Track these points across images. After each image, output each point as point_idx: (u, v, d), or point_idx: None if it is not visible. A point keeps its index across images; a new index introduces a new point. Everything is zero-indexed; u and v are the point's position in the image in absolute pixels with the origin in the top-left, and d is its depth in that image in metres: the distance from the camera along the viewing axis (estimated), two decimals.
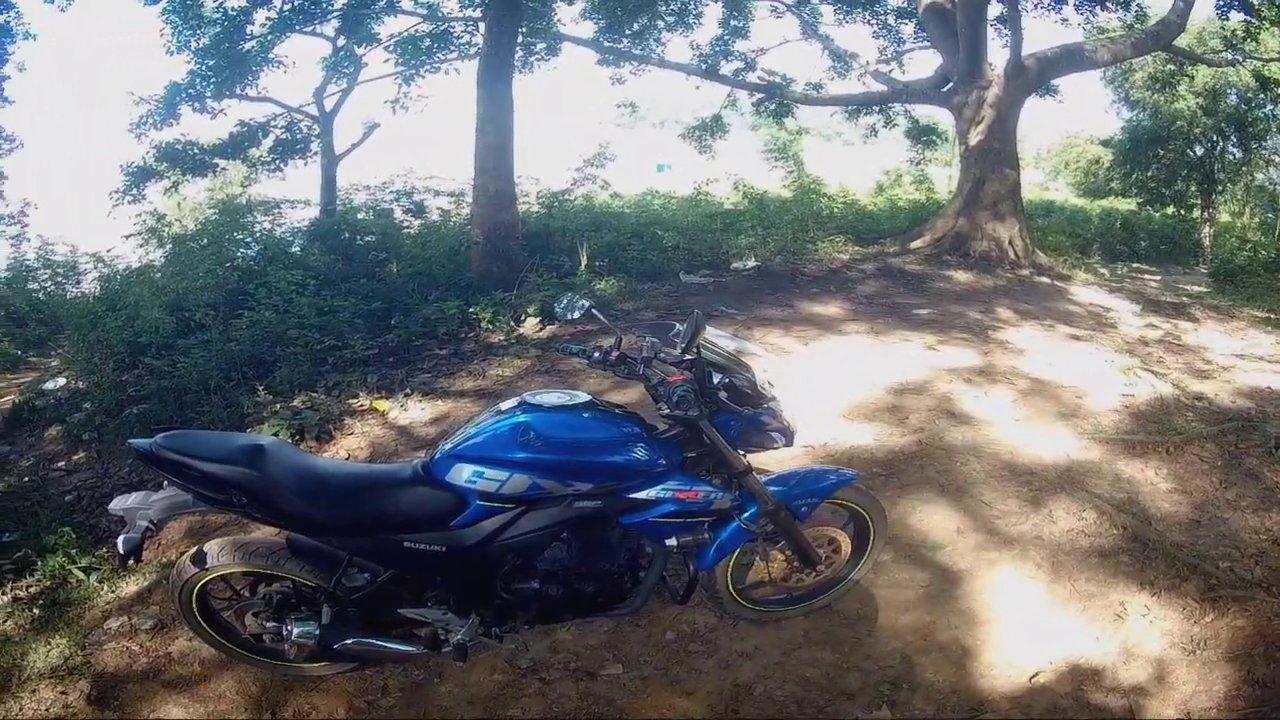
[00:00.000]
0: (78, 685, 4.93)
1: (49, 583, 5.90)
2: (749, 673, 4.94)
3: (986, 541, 6.13)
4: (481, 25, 17.79)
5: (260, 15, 19.75)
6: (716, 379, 4.34)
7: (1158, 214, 29.61)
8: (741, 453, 4.43)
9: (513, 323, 10.84)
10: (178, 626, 5.22)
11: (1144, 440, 7.63)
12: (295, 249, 15.37)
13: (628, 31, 22.89)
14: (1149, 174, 29.80)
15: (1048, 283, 15.50)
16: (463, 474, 4.04)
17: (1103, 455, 7.43)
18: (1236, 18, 20.54)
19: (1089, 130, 38.40)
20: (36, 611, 5.61)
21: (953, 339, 10.74)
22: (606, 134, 21.02)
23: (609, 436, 4.18)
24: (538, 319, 10.91)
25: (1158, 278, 19.50)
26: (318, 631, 4.20)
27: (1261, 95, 25.65)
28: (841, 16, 23.35)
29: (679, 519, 4.29)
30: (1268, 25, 20.20)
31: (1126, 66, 27.60)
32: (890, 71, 22.42)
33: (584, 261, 13.51)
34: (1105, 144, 33.90)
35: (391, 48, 21.82)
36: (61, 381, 10.10)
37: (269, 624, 4.35)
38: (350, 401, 8.57)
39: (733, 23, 22.75)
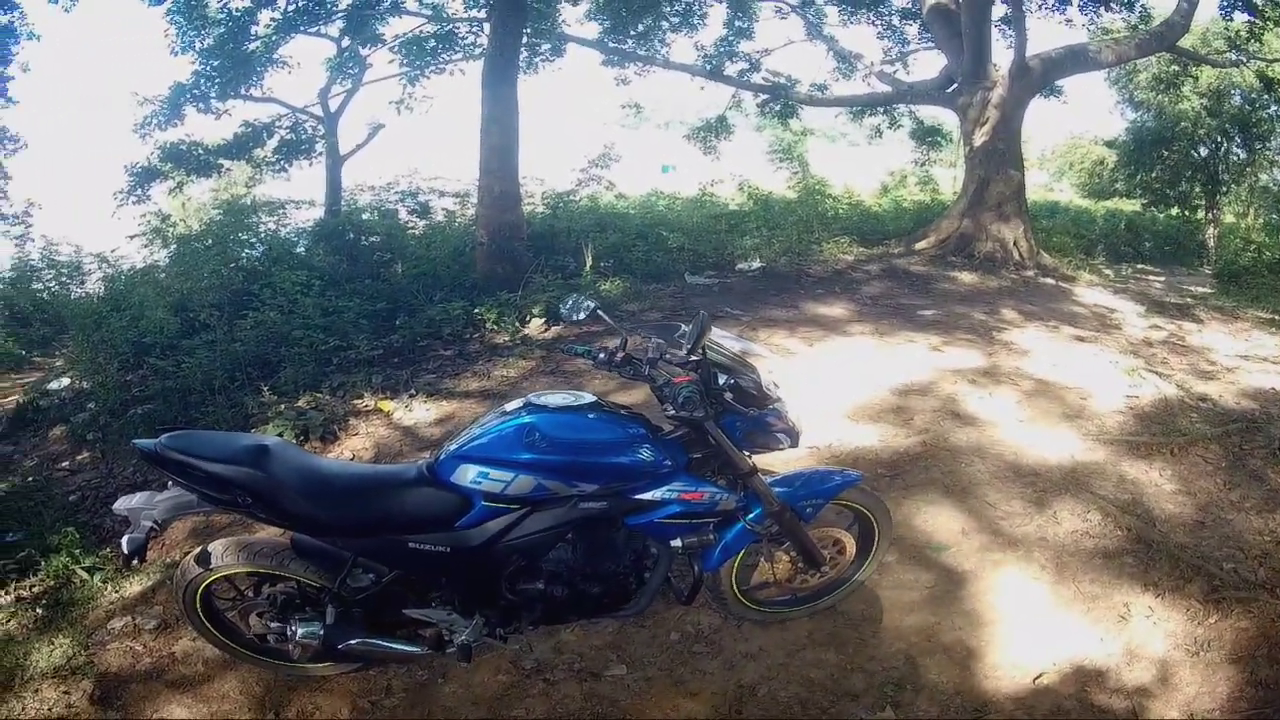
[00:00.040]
0: (81, 685, 4.93)
1: (52, 582, 5.91)
2: (753, 674, 4.93)
3: (991, 542, 6.13)
4: (486, 26, 17.83)
5: (265, 16, 19.78)
6: (722, 380, 4.34)
7: (1162, 215, 29.65)
8: (747, 454, 4.43)
9: (518, 323, 10.84)
10: (181, 626, 5.22)
11: (1148, 441, 7.62)
12: (300, 249, 15.39)
13: (632, 32, 22.85)
14: (1153, 175, 29.87)
15: (1052, 284, 15.49)
16: (468, 475, 4.04)
17: (1107, 456, 7.42)
18: (1240, 18, 20.61)
19: (1093, 131, 38.35)
20: (40, 611, 5.61)
21: (957, 340, 10.75)
22: (611, 135, 21.04)
23: (614, 437, 4.17)
24: (543, 320, 10.92)
25: (1162, 279, 19.46)
26: (322, 632, 4.19)
27: (1265, 96, 25.71)
28: (846, 17, 23.34)
29: (684, 520, 4.29)
30: (1271, 26, 20.20)
31: (1131, 67, 27.66)
32: (895, 72, 22.42)
33: (589, 262, 13.51)
34: (1110, 145, 33.89)
35: (396, 48, 21.84)
36: (66, 381, 10.13)
37: (273, 624, 4.34)
38: (355, 402, 8.58)
39: (737, 24, 22.72)
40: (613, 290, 12.50)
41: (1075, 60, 18.02)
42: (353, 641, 4.24)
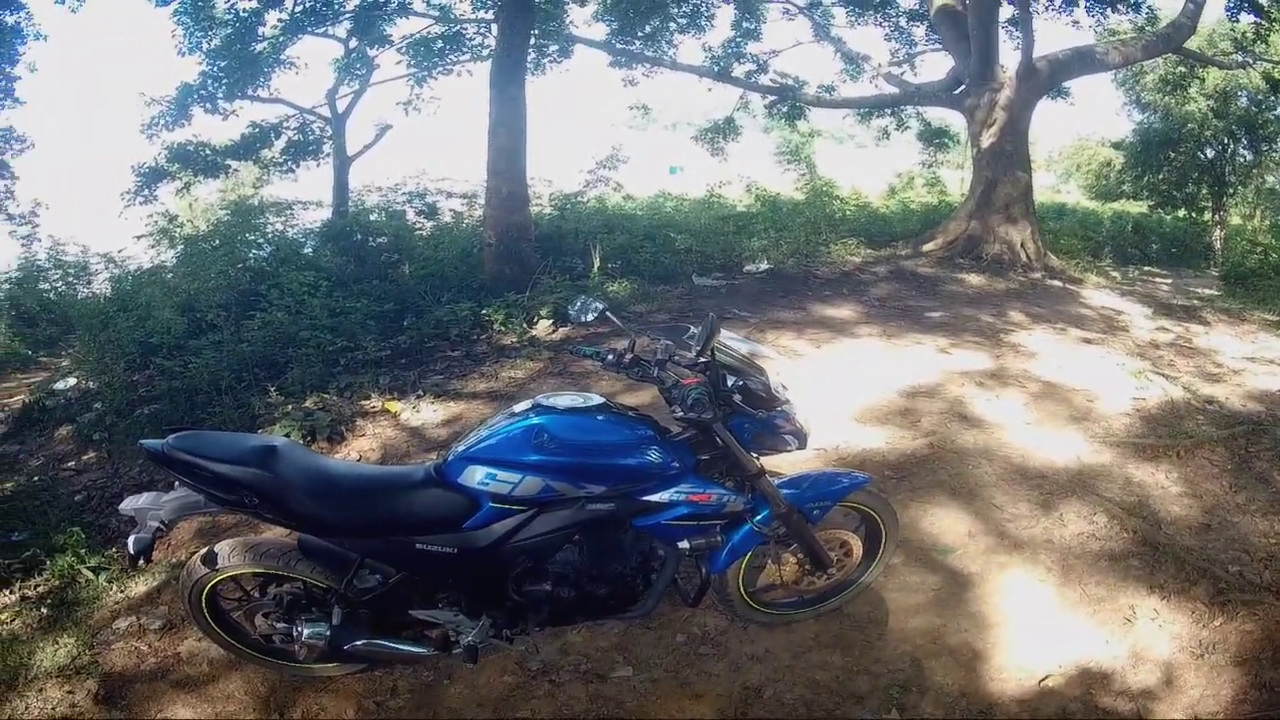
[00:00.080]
0: (85, 684, 4.95)
1: (58, 582, 5.92)
2: (759, 675, 4.93)
3: (997, 545, 6.13)
4: (494, 27, 17.81)
5: (272, 17, 19.78)
6: (730, 382, 4.35)
7: (1169, 217, 29.60)
8: (754, 455, 4.42)
9: (525, 325, 10.86)
10: (186, 627, 5.23)
11: (1155, 444, 7.62)
12: (307, 250, 15.39)
13: (640, 33, 22.86)
14: (1160, 177, 29.80)
15: (1059, 286, 15.48)
16: (475, 476, 4.03)
17: (1113, 459, 7.41)
18: (1246, 19, 20.53)
19: (1100, 133, 38.36)
20: (45, 611, 5.63)
21: (964, 342, 10.74)
22: (619, 136, 21.20)
23: (622, 439, 4.17)
24: (550, 321, 10.93)
25: (1169, 281, 19.46)
26: (328, 633, 4.19)
27: (1272, 97, 25.67)
28: (853, 19, 23.26)
29: (691, 521, 4.28)
30: (1278, 27, 20.16)
31: (1137, 69, 27.62)
32: (902, 74, 22.41)
33: (596, 263, 13.54)
34: (1116, 146, 33.85)
35: (404, 49, 21.85)
36: (72, 381, 10.15)
37: (279, 625, 4.33)
38: (362, 403, 8.60)
39: (745, 25, 22.70)
40: (620, 292, 12.51)
41: (1082, 62, 18.02)
42: (359, 642, 4.24)
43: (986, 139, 17.18)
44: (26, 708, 4.77)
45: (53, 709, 4.76)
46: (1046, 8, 20.85)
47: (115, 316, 10.47)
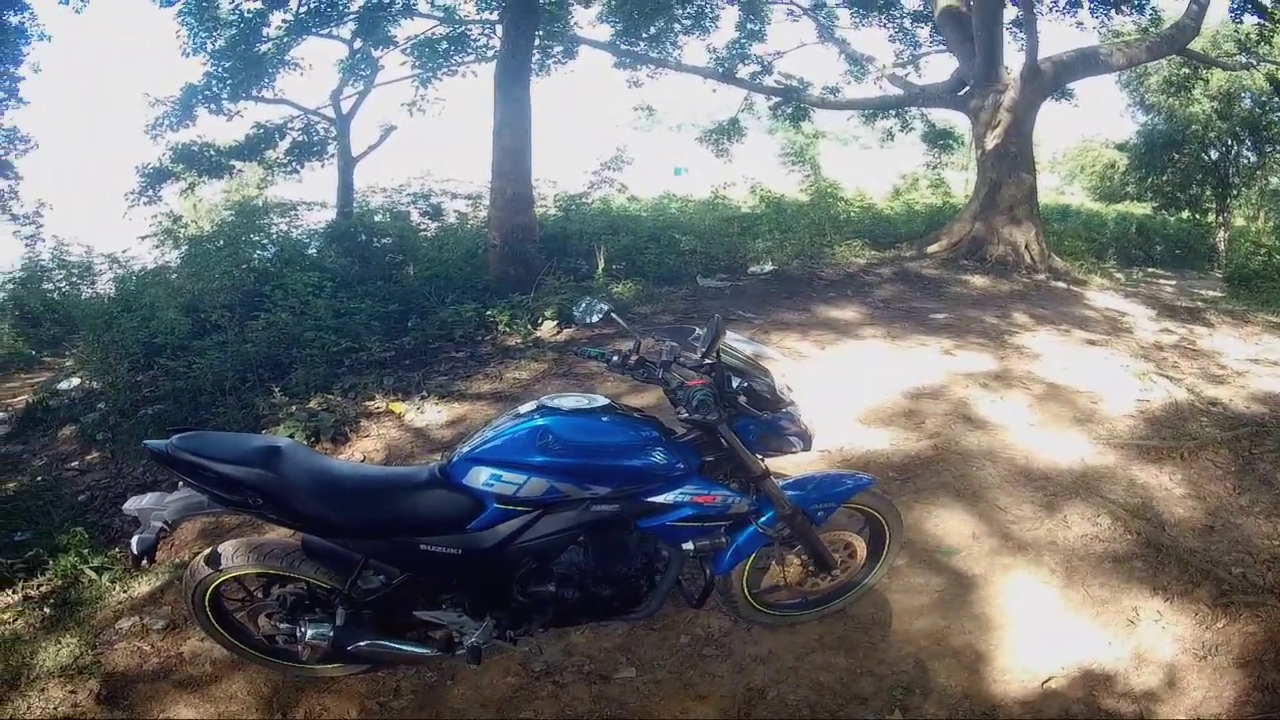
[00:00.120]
0: (87, 684, 4.95)
1: (60, 582, 5.93)
2: (762, 677, 4.93)
3: (1001, 546, 6.13)
4: (498, 28, 17.85)
5: (276, 17, 19.88)
6: (736, 383, 4.35)
7: (1173, 218, 29.63)
8: (759, 457, 4.42)
9: (530, 325, 10.87)
10: (189, 627, 5.24)
11: (1158, 445, 7.62)
12: (312, 251, 15.40)
13: (644, 35, 22.92)
14: (1164, 178, 29.80)
15: (1064, 287, 15.47)
16: (480, 477, 4.03)
17: (1117, 460, 7.41)
18: (1250, 21, 20.55)
19: (1104, 134, 38.39)
20: (47, 611, 5.63)
21: (969, 344, 10.73)
22: (623, 137, 21.12)
23: (627, 440, 4.17)
24: (555, 322, 10.94)
25: (1173, 282, 19.48)
26: (332, 633, 4.19)
27: (1276, 99, 25.72)
28: (858, 20, 23.34)
29: (696, 523, 4.28)
30: None
31: (1141, 70, 27.62)
32: (907, 75, 22.46)
33: (601, 265, 13.54)
34: (1120, 148, 33.83)
35: (408, 50, 21.93)
36: (76, 381, 10.16)
37: (282, 625, 4.34)
38: (366, 403, 8.59)
39: (749, 26, 22.77)
40: (625, 293, 12.52)
41: (1086, 63, 18.02)
42: (362, 643, 4.24)
43: (991, 140, 17.17)
44: (29, 707, 4.77)
45: (55, 708, 4.76)
46: (1051, 9, 20.93)
47: (119, 317, 10.48)
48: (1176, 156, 29.14)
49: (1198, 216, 29.67)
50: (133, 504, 3.95)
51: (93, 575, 5.95)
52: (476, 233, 15.80)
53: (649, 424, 4.29)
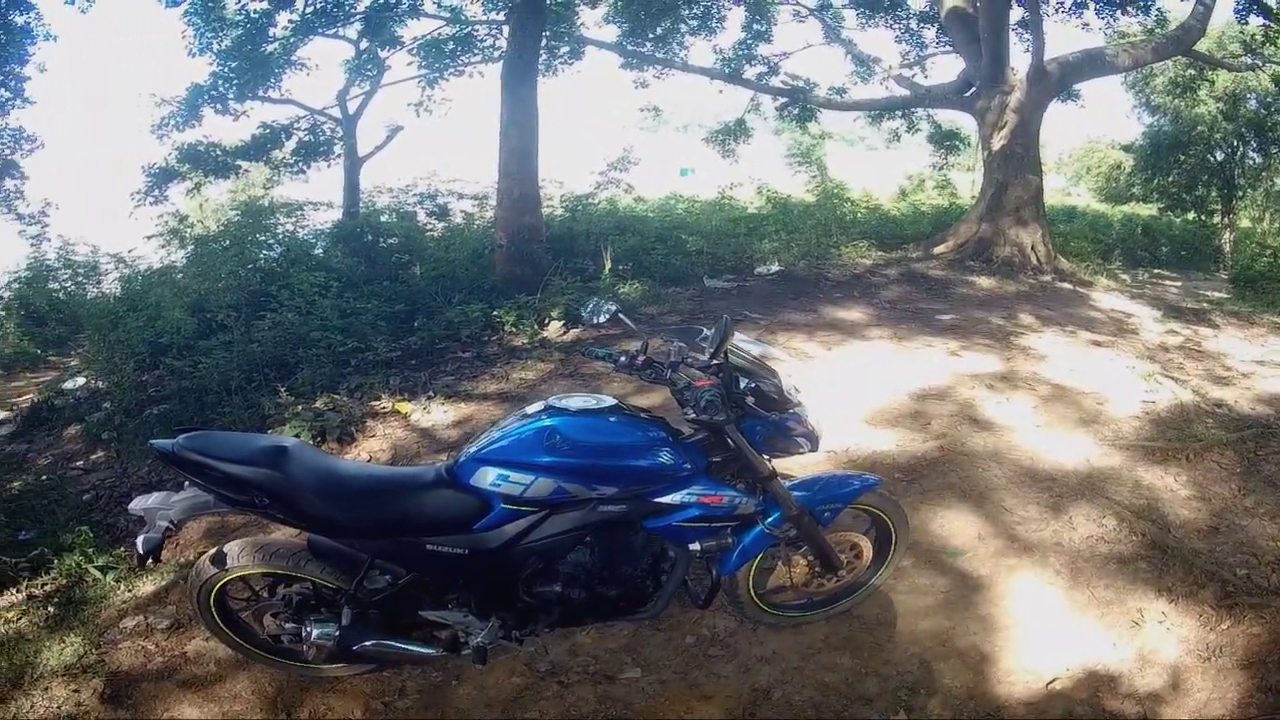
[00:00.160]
0: (91, 683, 4.95)
1: (65, 581, 5.94)
2: (768, 677, 4.93)
3: (1006, 547, 6.12)
4: (505, 28, 17.84)
5: (283, 18, 19.84)
6: (743, 384, 4.35)
7: (1178, 219, 29.61)
8: (766, 458, 4.42)
9: (536, 326, 10.87)
10: (194, 626, 5.24)
11: (1164, 447, 7.61)
12: (318, 251, 15.40)
13: (651, 35, 22.89)
14: (1170, 179, 29.83)
15: (1069, 288, 15.45)
16: (487, 477, 4.04)
17: (1123, 462, 7.40)
18: (1256, 22, 20.54)
19: (1110, 135, 38.41)
20: (51, 610, 5.64)
21: (975, 345, 10.73)
22: (630, 137, 21.20)
23: (635, 440, 4.17)
24: (561, 322, 10.95)
25: (1178, 283, 19.43)
26: (337, 633, 4.20)
27: None
28: (864, 21, 23.31)
29: (703, 523, 4.28)
30: None
31: (1147, 71, 27.67)
32: (913, 76, 22.44)
33: (608, 265, 13.53)
34: (1126, 149, 33.88)
35: (414, 50, 21.91)
36: (81, 381, 10.18)
37: (288, 625, 4.35)
38: (372, 403, 8.60)
39: (755, 27, 22.70)
40: (631, 293, 12.51)
41: (1092, 64, 17.99)
42: (368, 643, 4.24)
43: (997, 141, 17.14)
44: (32, 706, 4.78)
45: (59, 708, 4.77)
46: (1057, 10, 20.91)
47: (125, 316, 10.50)
48: (1182, 158, 29.18)
49: (1203, 218, 29.68)
50: (138, 503, 3.95)
51: (97, 574, 5.96)
52: (483, 233, 15.83)
53: (656, 424, 4.30)
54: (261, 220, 15.37)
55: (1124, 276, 18.61)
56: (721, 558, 4.48)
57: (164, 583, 5.87)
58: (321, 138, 22.35)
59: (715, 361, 4.26)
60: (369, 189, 20.43)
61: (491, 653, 4.32)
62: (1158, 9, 20.95)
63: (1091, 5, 20.81)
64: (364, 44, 21.07)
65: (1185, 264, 24.20)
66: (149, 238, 17.22)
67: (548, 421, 4.11)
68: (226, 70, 19.88)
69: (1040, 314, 12.85)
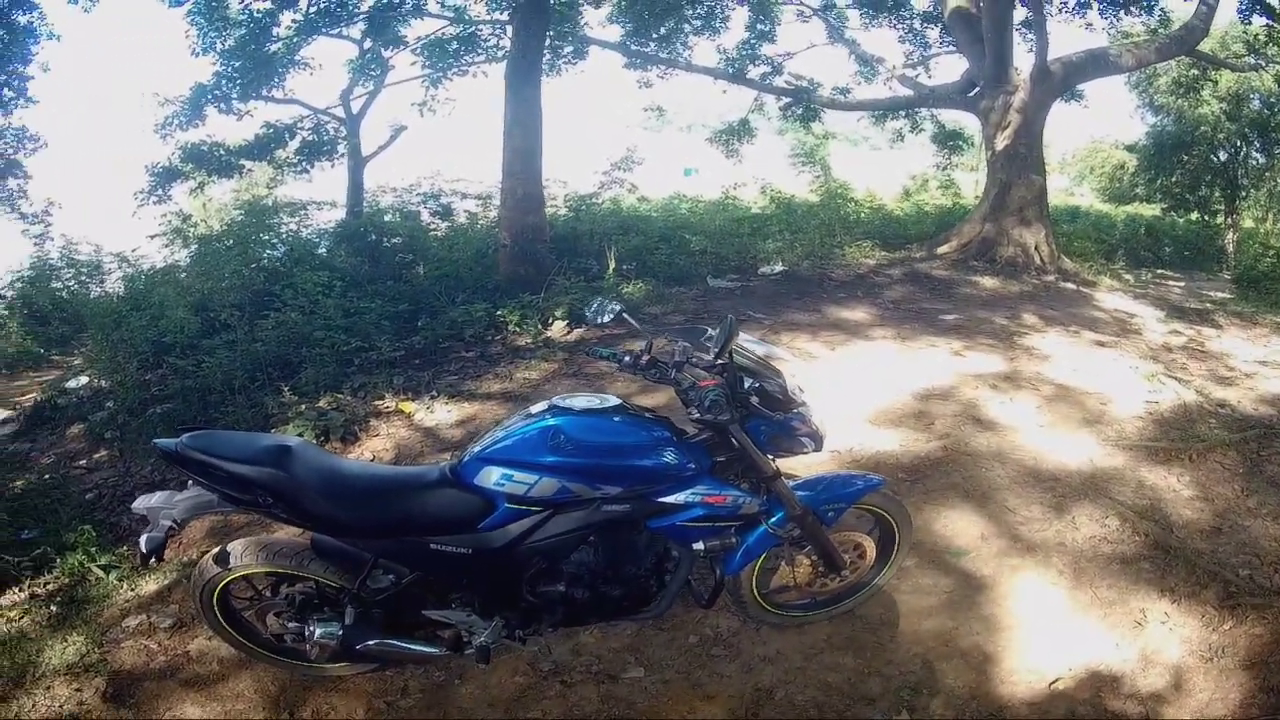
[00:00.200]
0: (94, 682, 4.96)
1: (67, 580, 5.95)
2: (770, 677, 4.94)
3: (1009, 547, 6.13)
4: (509, 28, 17.83)
5: (286, 18, 19.81)
6: (748, 384, 4.35)
7: (1182, 220, 29.57)
8: (770, 457, 4.43)
9: (540, 325, 10.89)
10: (197, 625, 5.24)
11: (1167, 447, 7.61)
12: (321, 250, 15.36)
13: (655, 35, 22.86)
14: (1173, 179, 29.80)
15: (1073, 288, 15.44)
16: (491, 477, 4.04)
17: (1126, 462, 7.40)
18: (1259, 22, 20.54)
19: (1114, 135, 38.29)
20: (54, 609, 5.64)
21: (978, 345, 10.73)
22: (633, 137, 21.25)
23: (639, 440, 4.18)
24: (565, 322, 10.96)
25: (1182, 284, 19.40)
26: (340, 632, 4.20)
27: None
28: (868, 21, 23.26)
29: (707, 523, 4.28)
30: None
31: (1150, 71, 27.64)
32: (917, 76, 22.39)
33: (611, 265, 13.55)
34: (1130, 149, 33.84)
35: (418, 50, 21.89)
36: (84, 380, 10.21)
37: (291, 624, 4.35)
38: (376, 403, 8.62)
39: (759, 27, 22.71)
40: (635, 293, 12.52)
41: (1096, 64, 17.96)
42: (371, 642, 4.25)
43: (1001, 141, 17.14)
44: (34, 705, 4.78)
45: (61, 706, 4.77)
46: (1060, 10, 20.90)
47: (128, 315, 10.51)
48: (1185, 158, 29.14)
49: (1207, 218, 29.64)
50: (142, 502, 3.96)
51: (100, 573, 5.97)
52: (487, 232, 15.81)
53: (660, 424, 4.30)
54: (265, 220, 15.37)
55: (1127, 277, 18.61)
56: (725, 557, 4.49)
57: (167, 582, 5.88)
58: (325, 137, 22.33)
59: (720, 361, 4.27)
60: (373, 188, 20.43)
61: (494, 652, 4.32)
62: (1161, 9, 20.99)
63: (1095, 5, 20.81)
64: (368, 44, 21.09)
65: (1188, 264, 24.17)
66: (152, 237, 17.23)
67: (552, 421, 4.11)
68: (230, 70, 19.85)
69: (1044, 314, 12.85)
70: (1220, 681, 4.89)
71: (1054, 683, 4.91)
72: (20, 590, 5.85)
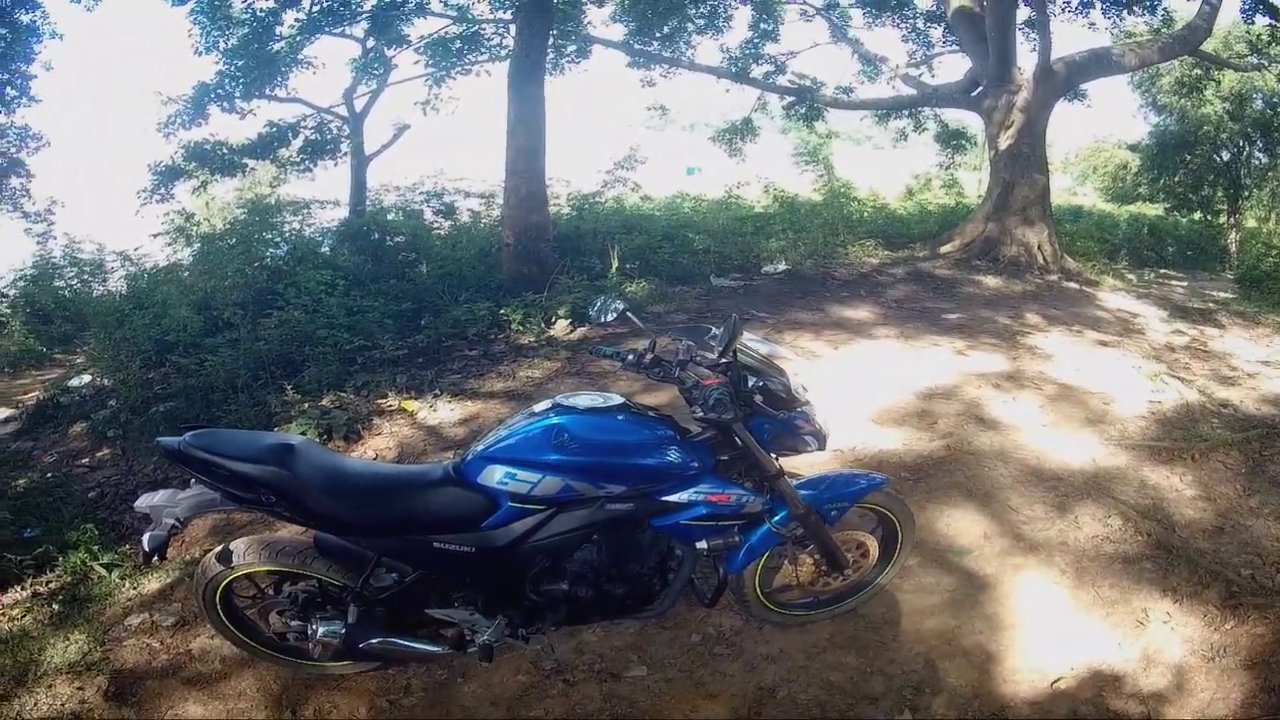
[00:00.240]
0: (96, 681, 4.96)
1: (70, 579, 5.96)
2: (773, 676, 4.94)
3: (1012, 547, 6.13)
4: (512, 27, 17.82)
5: (289, 16, 19.76)
6: (751, 382, 4.35)
7: (1184, 219, 29.58)
8: (774, 456, 4.42)
9: (543, 324, 10.88)
10: (199, 624, 5.25)
11: (1169, 447, 7.61)
12: (324, 249, 15.41)
13: (658, 34, 22.85)
14: (1176, 179, 29.82)
15: (1076, 288, 15.43)
16: (494, 475, 4.04)
17: (1129, 461, 7.40)
18: (1262, 22, 20.48)
19: (1117, 135, 38.35)
20: (56, 607, 5.65)
21: (981, 344, 10.72)
22: (637, 136, 21.25)
23: (642, 439, 4.18)
24: (568, 321, 10.96)
25: (1184, 283, 19.42)
26: (343, 631, 4.20)
27: None
28: (871, 20, 23.23)
29: (710, 522, 4.28)
30: None
31: (1153, 71, 27.63)
32: (920, 75, 22.36)
33: (615, 264, 13.54)
34: (1133, 149, 33.86)
35: (421, 49, 21.84)
36: (87, 378, 10.21)
37: (293, 623, 4.35)
38: (379, 401, 8.61)
39: (762, 26, 22.70)
40: (638, 292, 12.53)
41: (1099, 64, 17.96)
42: (374, 641, 4.25)
43: (1004, 141, 17.13)
44: (36, 704, 4.78)
45: (63, 705, 4.78)
46: (1063, 9, 20.83)
47: (131, 314, 10.53)
48: (1188, 157, 29.17)
49: (1209, 218, 29.67)
50: (144, 501, 3.96)
51: (102, 572, 5.98)
52: (490, 231, 15.83)
53: (664, 423, 4.30)
54: (268, 218, 15.39)
55: (1130, 276, 18.63)
56: (728, 556, 4.49)
57: (169, 580, 5.89)
58: (328, 136, 22.28)
59: (723, 360, 4.26)
60: (376, 187, 20.41)
61: (497, 651, 4.32)
62: (1164, 8, 20.97)
63: (1098, 5, 20.77)
64: (371, 43, 21.03)
65: (1191, 264, 24.18)
66: (155, 236, 17.27)
67: (555, 420, 4.11)
68: (233, 69, 19.80)
69: (1046, 313, 12.85)
70: (1222, 681, 4.89)
71: (1056, 682, 4.91)
72: (23, 588, 5.85)
